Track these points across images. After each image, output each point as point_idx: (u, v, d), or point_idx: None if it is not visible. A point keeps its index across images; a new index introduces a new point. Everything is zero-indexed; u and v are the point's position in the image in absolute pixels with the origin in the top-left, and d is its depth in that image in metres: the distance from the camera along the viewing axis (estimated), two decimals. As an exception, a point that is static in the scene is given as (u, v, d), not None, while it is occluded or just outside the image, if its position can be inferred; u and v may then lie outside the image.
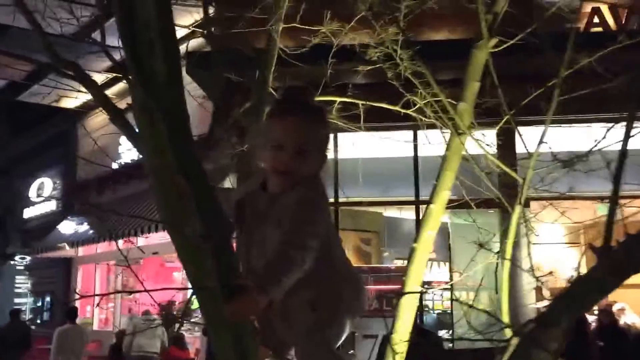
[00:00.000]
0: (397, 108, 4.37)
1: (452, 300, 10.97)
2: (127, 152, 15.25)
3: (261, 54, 4.25)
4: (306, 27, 4.47)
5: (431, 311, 11.64)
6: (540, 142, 3.60)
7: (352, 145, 9.37)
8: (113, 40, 2.53)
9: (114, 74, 12.09)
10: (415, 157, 10.26)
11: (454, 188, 11.70)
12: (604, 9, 10.07)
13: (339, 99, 4.09)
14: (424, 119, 4.38)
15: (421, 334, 6.43)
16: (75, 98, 15.82)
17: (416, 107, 4.34)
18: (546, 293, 12.42)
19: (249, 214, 2.25)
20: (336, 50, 4.61)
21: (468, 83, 3.68)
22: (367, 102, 4.40)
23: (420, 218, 3.73)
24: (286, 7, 4.25)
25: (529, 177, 3.48)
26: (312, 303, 2.12)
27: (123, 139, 14.45)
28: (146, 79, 2.03)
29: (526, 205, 8.15)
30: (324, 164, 2.21)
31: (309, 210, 2.05)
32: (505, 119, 3.83)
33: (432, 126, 4.58)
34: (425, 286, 11.21)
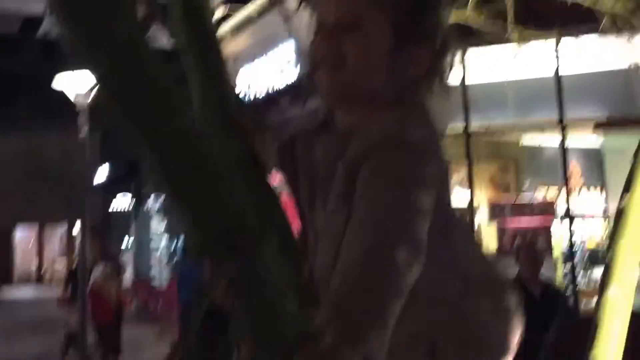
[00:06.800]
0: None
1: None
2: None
3: None
4: None
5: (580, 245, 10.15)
6: None
7: (484, 64, 8.18)
8: None
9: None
10: (557, 74, 8.78)
11: (610, 103, 9.70)
12: None
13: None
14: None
15: (547, 296, 4.85)
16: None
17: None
18: None
19: (303, 173, 1.31)
20: None
21: None
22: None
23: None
24: None
25: None
26: (429, 344, 1.16)
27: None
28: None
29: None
30: (429, 69, 1.22)
31: (404, 161, 1.09)
32: None
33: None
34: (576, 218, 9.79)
